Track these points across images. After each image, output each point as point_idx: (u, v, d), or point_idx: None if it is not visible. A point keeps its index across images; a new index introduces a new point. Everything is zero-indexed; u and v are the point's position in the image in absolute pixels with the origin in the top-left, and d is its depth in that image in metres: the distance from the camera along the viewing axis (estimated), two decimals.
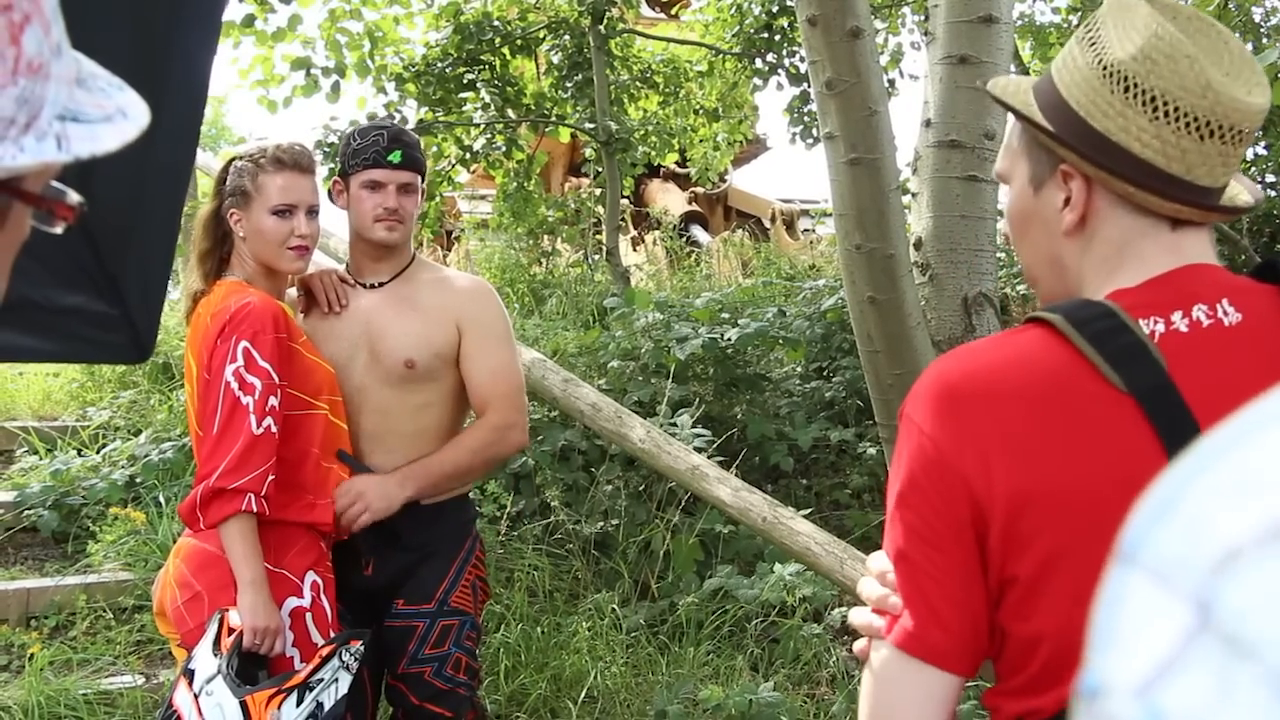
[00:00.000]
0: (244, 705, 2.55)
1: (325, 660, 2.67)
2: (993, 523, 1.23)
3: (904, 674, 1.28)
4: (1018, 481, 1.21)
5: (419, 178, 3.11)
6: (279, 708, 2.58)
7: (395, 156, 3.02)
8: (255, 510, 2.69)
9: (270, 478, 2.72)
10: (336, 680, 2.68)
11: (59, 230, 0.86)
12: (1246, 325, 1.25)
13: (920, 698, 1.27)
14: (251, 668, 2.67)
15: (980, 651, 1.28)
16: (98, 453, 5.90)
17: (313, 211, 2.93)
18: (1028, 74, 10.53)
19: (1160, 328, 1.24)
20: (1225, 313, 1.25)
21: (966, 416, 1.26)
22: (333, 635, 2.78)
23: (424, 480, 2.98)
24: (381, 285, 3.11)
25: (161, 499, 5.27)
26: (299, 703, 2.60)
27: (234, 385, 2.72)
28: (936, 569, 1.26)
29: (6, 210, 0.81)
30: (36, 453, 5.97)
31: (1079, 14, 10.47)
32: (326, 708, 2.64)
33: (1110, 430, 1.20)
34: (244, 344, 2.73)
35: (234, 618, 2.69)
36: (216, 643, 2.66)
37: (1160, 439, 1.18)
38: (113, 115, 0.82)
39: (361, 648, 2.73)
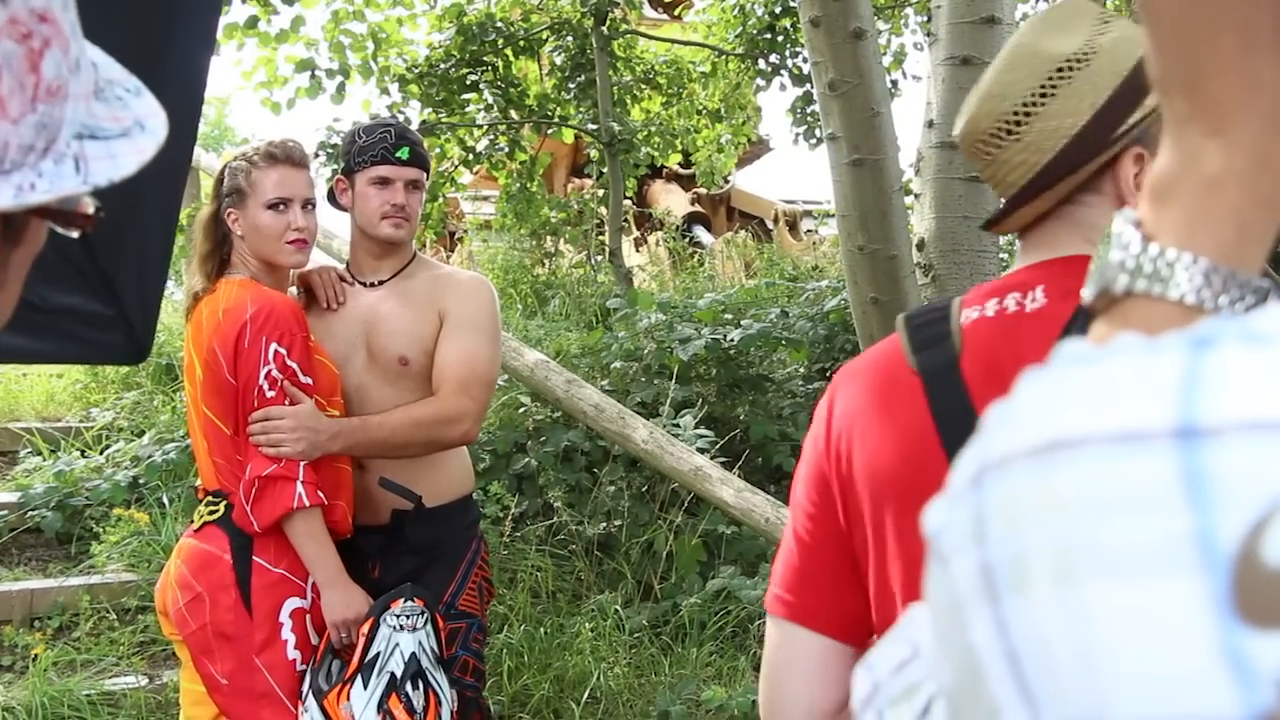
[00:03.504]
0: (324, 710, 2.65)
1: (371, 636, 2.70)
2: (840, 497, 1.31)
3: (781, 638, 1.34)
4: (854, 458, 1.30)
5: (425, 175, 3.11)
6: (348, 699, 2.65)
7: (403, 153, 3.02)
8: (312, 503, 2.72)
9: (304, 464, 2.74)
10: (397, 645, 2.72)
11: (75, 235, 0.86)
12: (1048, 310, 1.26)
13: (794, 658, 1.33)
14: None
15: (861, 621, 1.32)
16: (101, 454, 5.91)
17: (308, 205, 2.92)
18: None
19: (974, 314, 1.29)
20: (1034, 299, 1.27)
21: (835, 397, 1.36)
22: (369, 608, 2.79)
23: (355, 440, 2.88)
24: (381, 284, 3.10)
25: (165, 500, 5.28)
26: (365, 685, 2.67)
27: (268, 390, 2.74)
28: (808, 538, 1.35)
29: (24, 226, 0.80)
30: (40, 454, 5.97)
31: None
32: (400, 673, 2.69)
33: (905, 408, 1.27)
34: (274, 346, 2.74)
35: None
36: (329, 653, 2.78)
37: (933, 414, 1.23)
38: (130, 129, 0.81)
39: (409, 603, 2.77)
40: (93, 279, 2.20)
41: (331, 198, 3.15)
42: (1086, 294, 0.62)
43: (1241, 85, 0.56)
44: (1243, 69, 0.55)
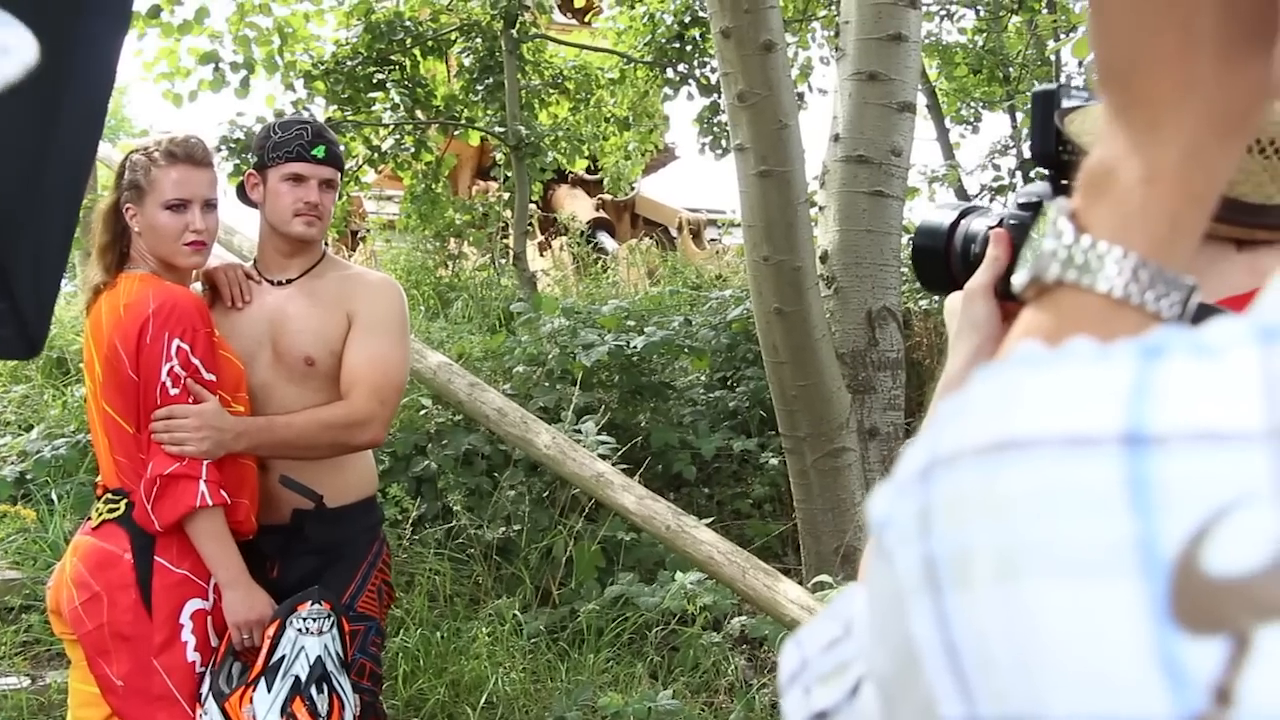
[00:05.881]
0: (225, 712, 2.60)
1: (276, 639, 2.66)
2: None
3: None
4: None
5: (339, 175, 3.08)
6: (250, 702, 2.61)
7: (319, 151, 2.98)
8: (215, 502, 2.67)
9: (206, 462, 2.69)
10: (302, 648, 2.69)
11: None
12: None
13: None
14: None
15: None
16: None
17: (209, 205, 2.85)
18: (934, 93, 10.71)
19: None
20: None
21: None
22: (273, 610, 2.74)
23: (260, 440, 2.84)
24: (289, 282, 3.06)
25: (53, 496, 5.16)
26: (269, 688, 2.62)
27: (170, 387, 2.68)
28: None
29: None
30: None
31: (984, 35, 10.68)
32: (305, 677, 2.66)
33: None
34: (177, 342, 2.68)
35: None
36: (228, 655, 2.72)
37: None
38: None
39: (316, 606, 2.73)
40: None
41: (241, 192, 3.10)
42: (1018, 280, 0.64)
43: (1179, 81, 0.57)
44: (1181, 65, 0.57)
